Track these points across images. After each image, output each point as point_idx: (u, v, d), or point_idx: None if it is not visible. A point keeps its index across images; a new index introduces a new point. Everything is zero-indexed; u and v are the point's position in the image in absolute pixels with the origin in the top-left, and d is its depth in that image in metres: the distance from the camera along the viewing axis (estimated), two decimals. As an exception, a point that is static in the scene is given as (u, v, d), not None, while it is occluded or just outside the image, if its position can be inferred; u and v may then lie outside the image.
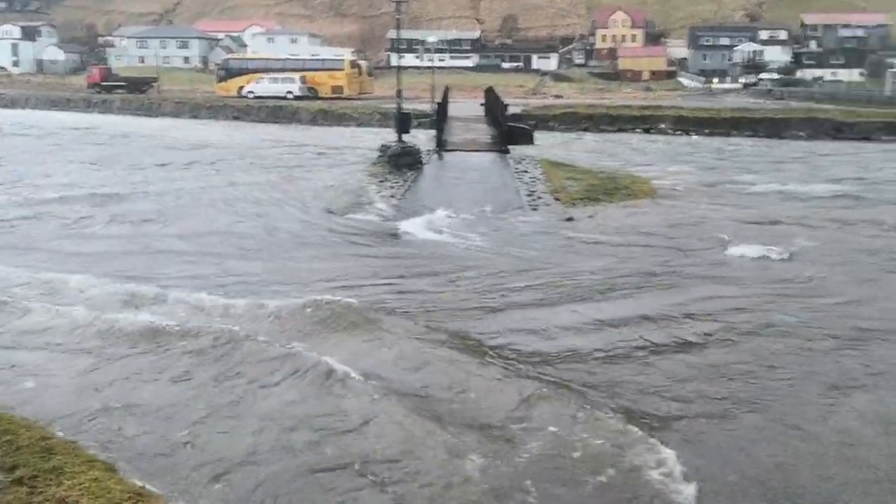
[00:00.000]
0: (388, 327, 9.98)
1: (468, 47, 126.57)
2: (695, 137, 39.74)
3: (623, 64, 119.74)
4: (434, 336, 9.68)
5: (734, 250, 14.13)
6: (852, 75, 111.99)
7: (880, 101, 64.87)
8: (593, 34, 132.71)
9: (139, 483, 6.01)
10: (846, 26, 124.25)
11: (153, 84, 70.35)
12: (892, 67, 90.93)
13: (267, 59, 70.24)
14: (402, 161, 24.15)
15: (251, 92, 58.61)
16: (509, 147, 27.83)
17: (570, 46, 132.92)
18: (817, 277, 12.33)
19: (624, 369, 8.71)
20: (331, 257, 13.77)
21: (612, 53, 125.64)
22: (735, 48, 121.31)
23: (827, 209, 18.92)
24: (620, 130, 41.89)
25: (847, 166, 28.45)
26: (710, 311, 10.61)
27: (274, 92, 57.88)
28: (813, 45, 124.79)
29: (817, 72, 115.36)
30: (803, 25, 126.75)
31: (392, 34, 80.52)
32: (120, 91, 65.64)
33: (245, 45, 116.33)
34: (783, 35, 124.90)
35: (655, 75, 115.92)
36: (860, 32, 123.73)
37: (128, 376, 8.43)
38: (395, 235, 15.59)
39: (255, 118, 49.96)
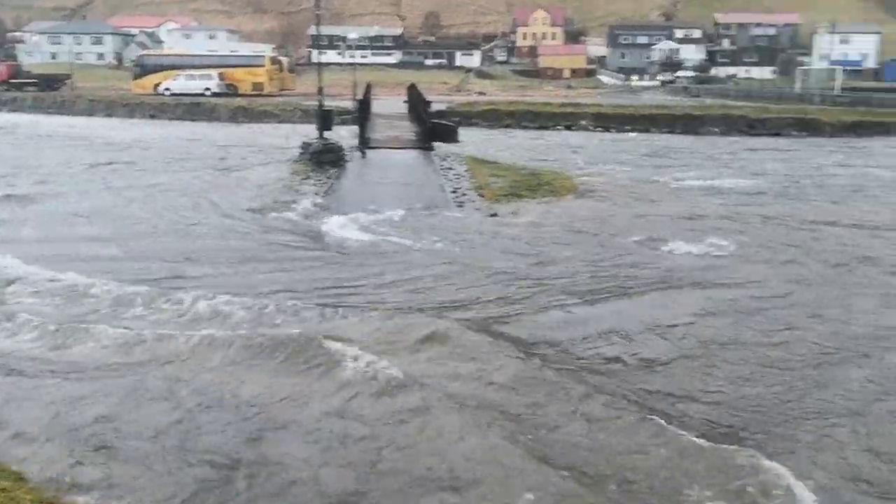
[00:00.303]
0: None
1: (391, 44, 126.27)
2: (615, 134, 40.41)
3: (544, 62, 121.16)
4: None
5: (674, 248, 14.15)
6: (764, 73, 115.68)
7: (790, 98, 67.20)
8: (514, 32, 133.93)
9: (53, 493, 5.77)
10: (758, 25, 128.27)
11: (66, 81, 68.06)
12: (800, 65, 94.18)
13: (184, 55, 68.72)
14: (325, 158, 23.92)
15: (168, 89, 57.21)
16: (433, 144, 27.83)
17: (493, 44, 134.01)
18: (762, 279, 12.33)
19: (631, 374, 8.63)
20: (255, 259, 13.48)
21: (533, 51, 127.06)
22: (652, 46, 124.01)
23: (755, 205, 19.30)
24: (542, 127, 42.32)
25: (767, 161, 29.34)
26: (669, 317, 10.44)
27: (191, 89, 56.60)
28: (726, 44, 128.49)
29: (731, 69, 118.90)
30: (717, 24, 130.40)
31: (313, 30, 79.66)
32: (31, 88, 63.21)
33: (161, 42, 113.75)
34: (698, 34, 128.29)
35: (576, 73, 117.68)
36: (771, 31, 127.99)
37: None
38: (320, 235, 15.37)
39: (172, 116, 48.78)
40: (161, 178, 23.27)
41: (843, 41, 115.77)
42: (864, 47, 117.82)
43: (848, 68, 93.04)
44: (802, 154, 32.02)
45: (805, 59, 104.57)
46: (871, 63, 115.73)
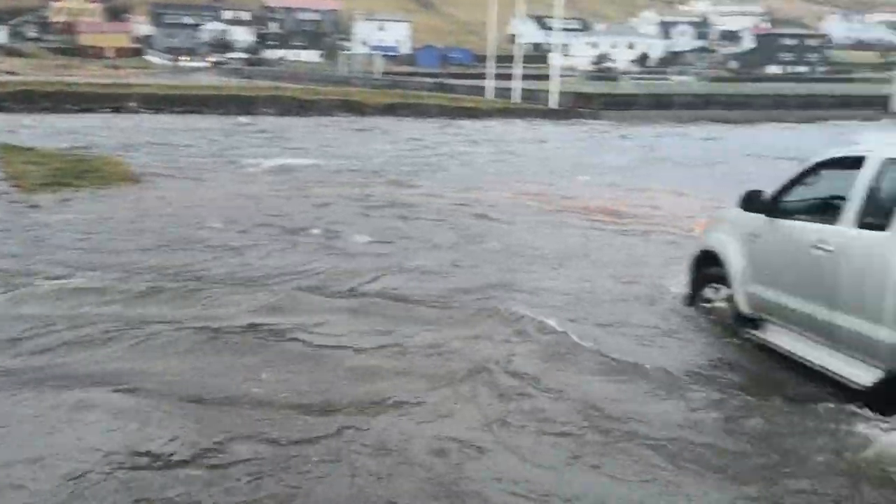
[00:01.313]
0: None
1: None
2: (167, 116, 39.05)
3: (84, 40, 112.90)
4: None
5: (245, 234, 13.31)
6: (312, 56, 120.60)
7: (337, 81, 71.00)
8: (46, 6, 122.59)
9: None
10: (304, 10, 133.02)
11: None
12: (343, 50, 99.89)
13: None
14: None
15: None
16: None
17: (21, 19, 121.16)
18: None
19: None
20: None
21: (70, 28, 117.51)
22: (201, 27, 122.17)
23: (344, 185, 19.49)
24: (86, 110, 39.29)
25: (339, 141, 30.60)
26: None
27: None
28: (275, 27, 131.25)
29: (280, 52, 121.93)
30: (264, 7, 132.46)
31: None
32: None
33: None
34: (246, 16, 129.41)
35: (121, 52, 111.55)
36: (316, 17, 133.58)
37: None
38: None
39: None
40: None
41: (380, 28, 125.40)
42: (398, 34, 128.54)
43: (386, 54, 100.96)
44: (370, 135, 33.88)
45: (348, 44, 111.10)
46: (405, 49, 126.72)
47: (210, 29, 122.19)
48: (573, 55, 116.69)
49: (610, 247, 12.99)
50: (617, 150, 30.35)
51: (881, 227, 5.86)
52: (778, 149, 29.14)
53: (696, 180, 21.62)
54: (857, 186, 6.24)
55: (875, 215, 5.99)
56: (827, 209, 6.79)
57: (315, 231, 13.66)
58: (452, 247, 12.65)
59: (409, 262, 11.49)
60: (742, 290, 7.46)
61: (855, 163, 6.43)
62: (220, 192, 18.13)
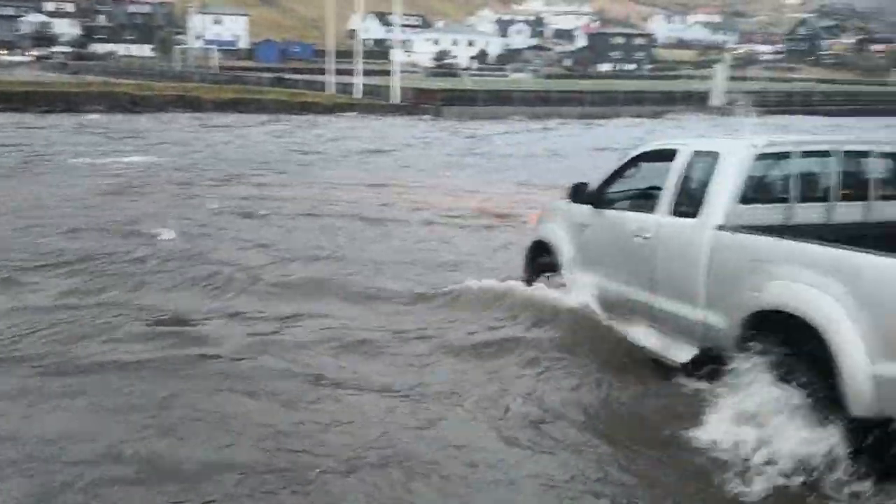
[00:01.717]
0: None
1: None
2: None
3: None
4: None
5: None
6: (143, 50, 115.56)
7: (172, 76, 68.56)
8: None
9: None
10: (134, 2, 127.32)
11: None
12: (178, 44, 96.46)
13: None
14: None
15: None
16: None
17: None
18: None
19: None
20: None
21: None
22: (21, 19, 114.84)
23: (190, 184, 18.68)
24: None
25: (178, 136, 29.59)
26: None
27: None
28: (103, 20, 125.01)
29: (109, 46, 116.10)
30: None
31: None
32: None
33: None
34: (71, 8, 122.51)
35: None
36: (147, 9, 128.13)
37: None
38: None
39: None
40: None
41: (217, 22, 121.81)
42: (236, 28, 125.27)
43: (223, 48, 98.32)
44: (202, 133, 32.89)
45: (182, 37, 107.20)
46: (244, 44, 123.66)
47: (31, 21, 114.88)
48: (415, 52, 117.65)
49: (473, 241, 13.10)
50: (466, 147, 30.96)
51: (692, 215, 6.32)
52: (617, 141, 30.63)
53: (547, 174, 22.17)
54: (671, 177, 6.70)
55: (687, 204, 6.45)
56: (646, 199, 7.23)
57: (168, 236, 12.33)
58: (328, 250, 11.92)
59: (283, 262, 11.02)
60: (572, 278, 7.83)
61: (669, 155, 6.89)
62: (48, 193, 17.05)
